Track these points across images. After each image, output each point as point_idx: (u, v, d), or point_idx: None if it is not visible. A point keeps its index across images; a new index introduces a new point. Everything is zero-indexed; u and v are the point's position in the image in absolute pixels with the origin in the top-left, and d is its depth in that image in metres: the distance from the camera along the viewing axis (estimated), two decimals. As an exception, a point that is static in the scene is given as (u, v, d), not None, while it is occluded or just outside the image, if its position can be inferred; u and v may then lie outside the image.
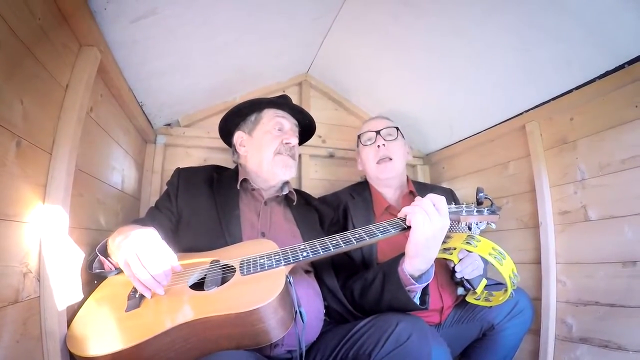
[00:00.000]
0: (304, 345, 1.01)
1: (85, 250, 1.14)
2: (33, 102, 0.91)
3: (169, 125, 2.01)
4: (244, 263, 1.06)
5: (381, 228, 1.10)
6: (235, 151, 1.55)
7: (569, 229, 1.56)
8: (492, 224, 1.24)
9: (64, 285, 0.96)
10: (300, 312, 1.00)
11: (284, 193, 1.47)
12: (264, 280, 0.99)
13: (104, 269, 1.11)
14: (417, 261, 1.08)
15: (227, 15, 1.48)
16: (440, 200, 1.08)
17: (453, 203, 1.22)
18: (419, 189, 1.80)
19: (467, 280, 1.40)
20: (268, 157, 1.42)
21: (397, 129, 1.82)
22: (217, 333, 0.91)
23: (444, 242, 1.14)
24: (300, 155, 2.12)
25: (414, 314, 1.09)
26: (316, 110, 2.27)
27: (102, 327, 0.94)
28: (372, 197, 1.78)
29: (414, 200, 1.11)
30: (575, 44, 1.38)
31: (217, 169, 1.53)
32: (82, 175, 1.18)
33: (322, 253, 1.06)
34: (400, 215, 1.11)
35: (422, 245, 1.05)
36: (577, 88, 1.52)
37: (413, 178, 2.37)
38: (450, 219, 1.10)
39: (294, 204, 1.50)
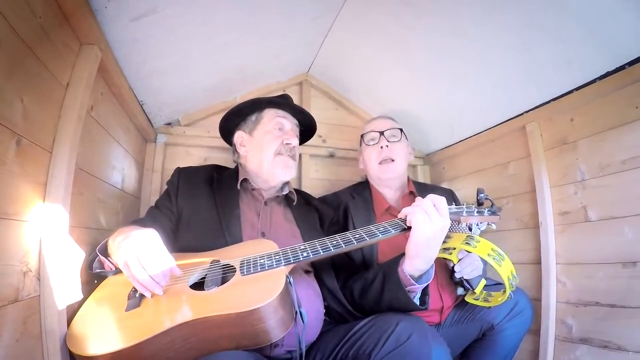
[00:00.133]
0: (304, 345, 1.01)
1: (86, 249, 1.14)
2: (33, 100, 0.91)
3: (169, 124, 2.01)
4: (244, 263, 1.06)
5: (381, 228, 1.10)
6: (235, 151, 1.55)
7: (569, 229, 1.56)
8: (492, 224, 1.24)
9: (64, 284, 0.96)
10: (301, 312, 1.00)
11: (284, 193, 1.47)
12: (264, 280, 0.99)
13: (104, 268, 1.10)
14: (417, 261, 1.08)
15: (227, 15, 1.47)
16: (441, 200, 1.08)
17: (453, 204, 1.22)
18: (420, 190, 1.80)
19: (466, 281, 1.40)
20: (268, 157, 1.42)
21: (401, 130, 1.82)
22: (217, 333, 0.91)
23: (443, 242, 1.14)
24: (300, 155, 2.12)
25: (414, 314, 1.09)
26: (316, 109, 2.27)
27: (102, 327, 0.94)
28: (372, 197, 1.78)
29: (414, 201, 1.11)
30: (575, 44, 1.38)
31: (218, 169, 1.53)
32: (83, 174, 1.18)
33: (322, 253, 1.06)
34: (400, 215, 1.11)
35: (422, 245, 1.05)
36: (577, 89, 1.51)
37: (413, 178, 2.37)
38: (451, 220, 1.10)
39: (294, 204, 1.49)
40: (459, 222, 1.20)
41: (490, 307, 1.43)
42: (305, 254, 1.06)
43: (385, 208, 1.71)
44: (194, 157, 2.06)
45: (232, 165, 1.60)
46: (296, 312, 1.00)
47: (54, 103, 1.02)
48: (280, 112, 1.51)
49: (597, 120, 1.47)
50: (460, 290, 1.53)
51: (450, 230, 1.13)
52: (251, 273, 1.02)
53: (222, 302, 0.94)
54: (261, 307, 0.89)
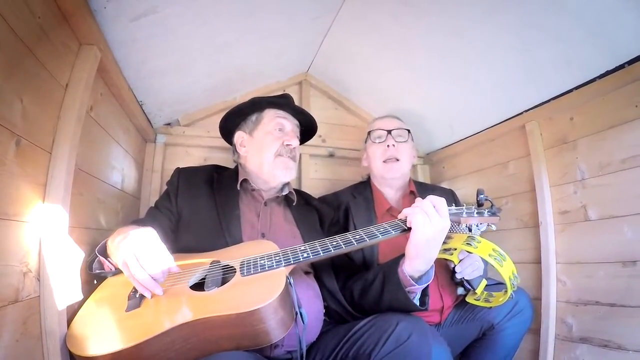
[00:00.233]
0: (304, 346, 1.01)
1: (85, 249, 1.14)
2: (33, 101, 0.91)
3: (169, 124, 2.01)
4: (244, 264, 1.06)
5: (381, 229, 1.10)
6: (235, 151, 1.55)
7: (569, 228, 1.56)
8: (492, 225, 1.24)
9: (63, 284, 0.96)
10: (301, 313, 1.00)
11: (284, 193, 1.47)
12: (265, 281, 0.99)
13: (103, 269, 1.10)
14: (417, 262, 1.08)
15: (227, 15, 1.47)
16: (441, 201, 1.08)
17: (453, 204, 1.23)
18: (420, 190, 1.80)
19: (467, 281, 1.40)
20: (269, 158, 1.41)
21: (409, 131, 1.82)
22: (217, 333, 0.90)
23: (444, 242, 1.14)
24: (300, 155, 2.11)
25: (414, 314, 1.09)
26: (316, 109, 2.27)
27: (102, 327, 0.94)
28: (373, 197, 1.78)
29: (414, 201, 1.11)
30: (575, 44, 1.38)
31: (217, 169, 1.53)
32: (82, 175, 1.18)
33: (322, 254, 1.06)
34: (400, 216, 1.11)
35: (422, 246, 1.05)
36: (577, 88, 1.51)
37: (413, 177, 2.35)
38: (451, 221, 1.10)
39: (294, 204, 1.49)
40: (459, 223, 1.20)
41: (491, 307, 1.43)
42: (305, 255, 1.06)
43: (386, 209, 1.71)
44: (194, 157, 2.06)
45: (232, 166, 1.60)
46: (296, 313, 1.00)
47: (54, 103, 1.02)
48: (281, 113, 1.50)
49: (597, 120, 1.47)
50: (460, 290, 1.53)
51: (451, 231, 1.13)
52: (251, 274, 1.02)
53: (222, 302, 0.94)
54: (261, 308, 0.89)
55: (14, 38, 0.83)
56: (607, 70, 1.40)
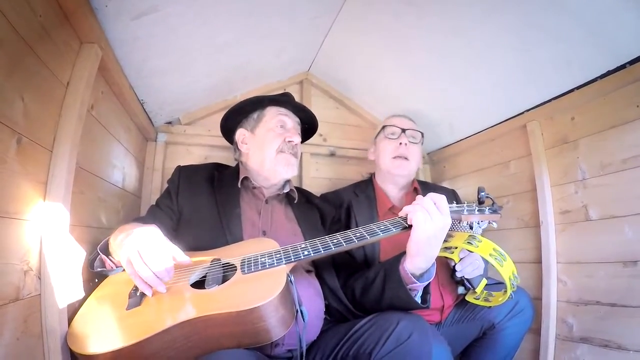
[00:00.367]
0: (304, 344, 1.01)
1: (86, 247, 1.14)
2: (34, 99, 0.91)
3: (169, 123, 2.01)
4: (245, 261, 1.06)
5: (382, 227, 1.10)
6: (237, 148, 1.55)
7: (569, 228, 1.56)
8: (493, 223, 1.24)
9: (64, 283, 0.96)
10: (301, 311, 1.00)
11: (285, 191, 1.47)
12: (265, 279, 0.99)
13: (105, 267, 1.10)
14: (419, 260, 1.08)
15: (228, 14, 1.47)
16: (441, 199, 1.08)
17: (454, 203, 1.22)
18: (423, 189, 1.80)
19: (467, 280, 1.40)
20: (270, 155, 1.41)
21: (422, 134, 1.83)
22: (218, 331, 0.90)
23: (445, 240, 1.14)
24: (301, 154, 2.12)
25: (414, 313, 1.09)
26: (317, 108, 2.25)
27: (103, 325, 0.94)
28: (375, 195, 1.78)
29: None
30: (575, 44, 1.38)
31: (218, 167, 1.53)
32: (83, 173, 1.18)
33: (323, 252, 1.06)
34: (401, 214, 1.11)
35: (423, 243, 1.05)
36: (578, 88, 1.51)
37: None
38: (452, 218, 1.10)
39: (295, 202, 1.49)
40: (460, 221, 1.20)
41: (490, 306, 1.43)
42: (306, 253, 1.06)
43: (388, 207, 1.71)
44: (195, 155, 2.06)
45: (233, 164, 1.60)
46: (297, 311, 1.00)
47: (55, 102, 1.02)
48: (283, 110, 1.50)
49: (598, 119, 1.47)
50: (460, 290, 1.53)
51: (452, 229, 1.13)
52: (252, 272, 1.02)
53: (223, 300, 0.94)
54: (262, 306, 0.89)
55: (15, 36, 0.83)
56: (608, 70, 1.40)
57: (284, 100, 1.52)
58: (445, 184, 2.31)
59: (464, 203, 1.22)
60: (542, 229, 1.64)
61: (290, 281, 1.00)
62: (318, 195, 1.78)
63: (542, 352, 1.56)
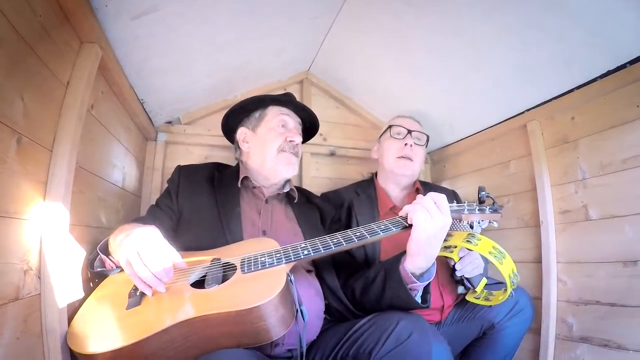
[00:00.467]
0: (304, 344, 1.01)
1: (86, 247, 1.14)
2: (34, 99, 0.91)
3: (169, 122, 2.01)
4: (245, 261, 1.06)
5: (382, 226, 1.10)
6: (237, 147, 1.55)
7: (569, 228, 1.56)
8: (494, 222, 1.24)
9: (64, 282, 0.96)
10: (301, 311, 1.00)
11: (285, 190, 1.47)
12: (265, 278, 0.99)
13: (105, 267, 1.10)
14: (419, 259, 1.08)
15: (228, 14, 1.47)
16: (441, 198, 1.08)
17: (454, 202, 1.22)
18: (425, 189, 1.80)
19: (467, 279, 1.40)
20: (271, 154, 1.41)
21: (427, 137, 1.84)
22: (218, 331, 0.90)
23: (444, 239, 1.14)
24: (301, 154, 2.12)
25: (414, 313, 1.09)
26: (317, 108, 2.24)
27: (103, 325, 0.94)
28: (377, 195, 1.78)
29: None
30: (575, 44, 1.37)
31: (218, 167, 1.53)
32: (83, 173, 1.18)
33: (323, 251, 1.06)
34: (401, 213, 1.11)
35: (423, 243, 1.05)
36: (578, 87, 1.51)
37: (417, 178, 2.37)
38: (452, 218, 1.10)
39: (295, 201, 1.49)
40: (461, 220, 1.20)
41: (491, 305, 1.43)
42: (306, 252, 1.06)
43: (389, 207, 1.71)
44: (195, 155, 2.06)
45: (233, 163, 1.60)
46: (297, 311, 1.00)
47: (55, 101, 1.02)
48: (284, 110, 1.50)
49: (598, 119, 1.47)
50: (460, 289, 1.53)
51: (452, 228, 1.13)
52: (252, 271, 1.02)
53: (222, 300, 0.94)
54: (262, 305, 0.89)
55: (16, 36, 0.83)
56: (609, 70, 1.40)
57: (285, 99, 1.52)
58: (446, 184, 2.31)
59: (465, 202, 1.22)
60: (542, 229, 1.64)
61: (290, 281, 1.00)
62: (319, 194, 1.78)
63: (542, 352, 1.56)
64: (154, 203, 1.42)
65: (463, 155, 2.23)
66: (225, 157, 1.99)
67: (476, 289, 1.39)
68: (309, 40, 2.02)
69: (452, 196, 1.86)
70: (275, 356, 1.10)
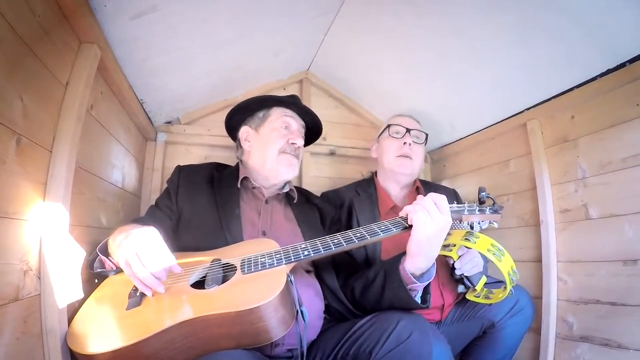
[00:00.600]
0: (305, 344, 1.01)
1: (86, 248, 1.14)
2: (33, 99, 0.91)
3: (169, 122, 2.01)
4: (245, 262, 1.06)
5: (382, 227, 1.10)
6: (239, 146, 1.55)
7: (569, 227, 1.56)
8: (494, 222, 1.24)
9: (64, 283, 0.96)
10: (302, 311, 1.00)
11: (285, 191, 1.47)
12: (265, 279, 0.99)
13: (104, 268, 1.10)
14: (419, 260, 1.08)
15: (227, 13, 1.47)
16: (442, 198, 1.08)
17: (455, 203, 1.22)
18: (425, 189, 1.80)
19: (467, 278, 1.40)
20: (272, 154, 1.41)
21: (426, 136, 1.83)
22: (218, 332, 0.90)
23: (444, 238, 1.14)
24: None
25: (414, 312, 1.09)
26: (317, 107, 2.23)
27: (103, 325, 0.95)
28: (377, 194, 1.77)
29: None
30: (575, 43, 1.37)
31: (218, 167, 1.53)
32: (83, 173, 1.18)
33: (323, 252, 1.06)
34: (401, 214, 1.11)
35: (423, 243, 1.05)
36: (577, 86, 1.51)
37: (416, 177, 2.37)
38: (452, 218, 1.10)
39: (295, 202, 1.49)
40: (461, 221, 1.20)
41: (491, 304, 1.43)
42: (306, 253, 1.06)
43: (390, 207, 1.71)
44: (194, 155, 2.06)
45: (232, 164, 1.60)
46: (297, 311, 1.00)
47: (54, 102, 1.02)
48: (288, 112, 1.50)
49: (598, 118, 1.47)
50: (460, 288, 1.53)
51: (452, 229, 1.13)
52: (252, 272, 1.02)
53: (222, 300, 0.94)
54: (262, 306, 0.89)
55: (14, 36, 0.83)
56: (608, 69, 1.39)
57: (291, 101, 1.52)
58: (446, 183, 2.31)
59: (465, 203, 1.22)
60: (542, 228, 1.64)
61: (291, 281, 1.00)
62: (318, 194, 1.78)
63: (542, 351, 1.56)
64: (154, 203, 1.42)
65: (463, 154, 2.23)
66: (225, 157, 1.99)
67: (476, 288, 1.39)
68: (309, 40, 2.02)
69: (453, 195, 1.86)
70: (275, 356, 1.10)
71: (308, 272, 1.30)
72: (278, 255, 1.06)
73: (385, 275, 1.15)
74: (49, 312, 0.92)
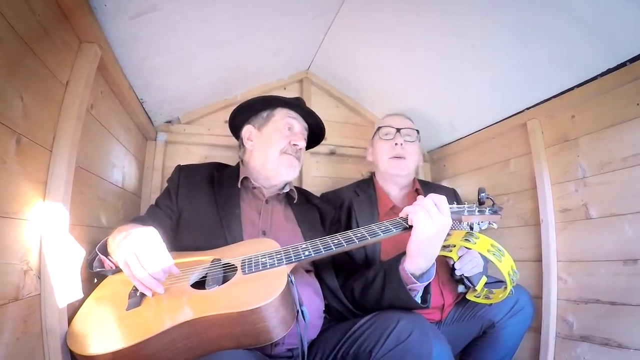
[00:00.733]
0: (306, 344, 1.01)
1: (86, 247, 1.14)
2: (33, 99, 0.91)
3: (169, 122, 2.01)
4: (245, 262, 1.06)
5: (383, 227, 1.10)
6: (242, 145, 1.55)
7: (570, 226, 1.56)
8: (493, 223, 1.24)
9: (64, 282, 0.96)
10: (302, 311, 1.00)
11: (285, 191, 1.47)
12: (266, 279, 0.99)
13: (104, 267, 1.10)
14: (419, 260, 1.08)
15: (227, 13, 1.47)
16: (442, 199, 1.08)
17: (455, 202, 1.22)
18: (424, 189, 1.80)
19: (467, 278, 1.40)
20: (274, 155, 1.41)
21: (418, 132, 1.82)
22: (218, 332, 0.90)
23: (443, 239, 1.14)
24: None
25: (415, 312, 1.09)
26: (317, 107, 2.23)
27: (103, 326, 0.94)
28: (376, 195, 1.77)
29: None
30: (575, 43, 1.37)
31: (218, 167, 1.53)
32: (83, 173, 1.18)
33: (323, 252, 1.06)
34: (401, 214, 1.11)
35: (423, 244, 1.05)
36: (578, 86, 1.51)
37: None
38: (452, 219, 1.10)
39: (295, 202, 1.49)
40: (460, 222, 1.20)
41: (491, 304, 1.43)
42: (306, 253, 1.06)
43: (389, 207, 1.71)
44: (195, 155, 2.06)
45: (233, 163, 1.60)
46: (298, 311, 1.00)
47: (54, 101, 1.02)
48: (292, 113, 1.50)
49: (598, 118, 1.47)
50: (460, 288, 1.53)
51: (452, 228, 1.13)
52: (252, 272, 1.01)
53: (223, 301, 0.94)
54: (263, 306, 0.89)
55: (14, 36, 0.83)
56: (608, 69, 1.39)
57: (295, 103, 1.52)
58: (445, 183, 2.31)
59: (465, 204, 1.22)
60: (542, 227, 1.64)
61: (291, 281, 1.00)
62: (318, 194, 1.78)
63: (542, 351, 1.56)
64: (154, 203, 1.42)
65: (463, 154, 2.23)
66: (225, 156, 1.99)
67: (476, 288, 1.39)
68: (309, 40, 2.02)
69: (452, 194, 1.86)
70: (275, 356, 1.10)
71: (308, 271, 1.30)
72: (279, 256, 1.06)
73: (385, 275, 1.16)
74: (49, 312, 0.92)
